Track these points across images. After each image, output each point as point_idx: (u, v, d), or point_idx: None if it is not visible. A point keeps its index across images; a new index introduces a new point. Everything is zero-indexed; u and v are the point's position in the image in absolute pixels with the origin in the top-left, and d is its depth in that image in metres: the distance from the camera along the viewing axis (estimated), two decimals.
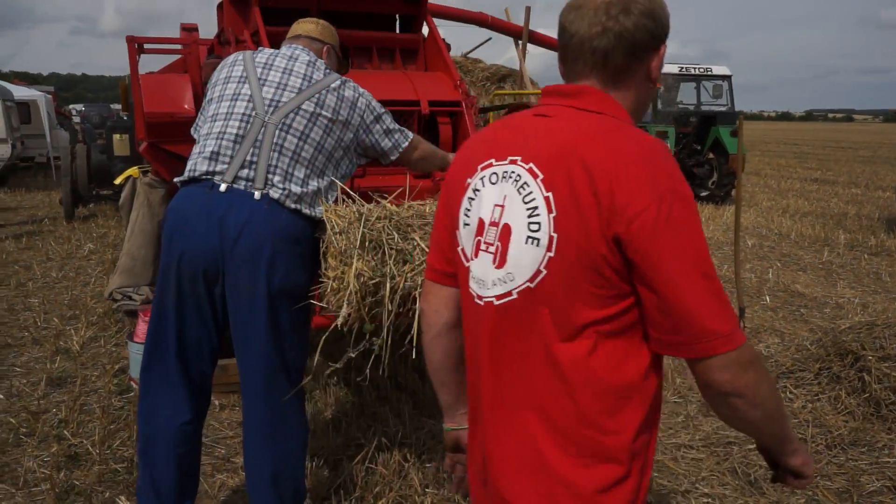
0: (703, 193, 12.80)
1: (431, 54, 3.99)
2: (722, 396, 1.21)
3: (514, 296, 1.24)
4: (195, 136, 2.74)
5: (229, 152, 2.38)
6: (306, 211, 2.41)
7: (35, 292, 6.30)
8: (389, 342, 2.34)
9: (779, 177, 18.05)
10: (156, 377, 2.45)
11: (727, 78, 13.24)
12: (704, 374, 1.19)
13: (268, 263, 2.30)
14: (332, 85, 2.56)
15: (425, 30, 4.08)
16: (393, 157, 2.72)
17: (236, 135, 2.40)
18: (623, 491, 1.23)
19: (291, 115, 2.44)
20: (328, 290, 2.30)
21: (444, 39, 4.06)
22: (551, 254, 1.18)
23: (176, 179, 2.45)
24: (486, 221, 1.29)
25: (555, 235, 1.18)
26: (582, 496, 1.23)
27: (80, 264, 7.42)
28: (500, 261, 1.26)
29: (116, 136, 10.03)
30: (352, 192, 2.54)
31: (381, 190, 2.84)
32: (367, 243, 2.28)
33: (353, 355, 2.37)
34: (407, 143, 2.73)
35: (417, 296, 2.28)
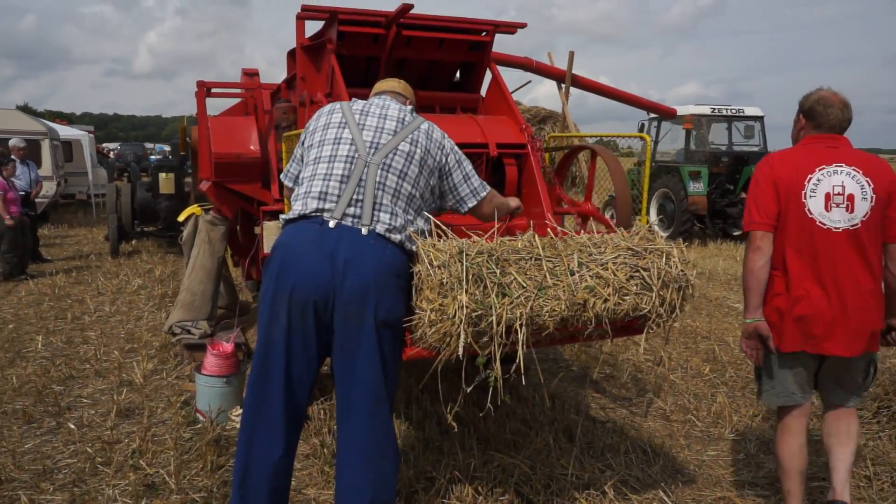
0: (736, 233, 12.80)
1: (495, 99, 4.14)
2: None
3: (859, 225, 2.75)
4: (284, 181, 2.90)
5: (336, 191, 2.55)
6: (408, 245, 2.57)
7: (91, 326, 6.47)
8: (500, 373, 2.42)
9: None
10: (260, 411, 2.54)
11: (759, 119, 13.34)
12: None
13: (375, 296, 2.44)
14: (423, 126, 2.77)
15: (488, 75, 4.24)
16: (470, 204, 2.87)
17: (342, 175, 2.58)
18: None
19: (391, 154, 2.63)
20: (424, 321, 2.39)
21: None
22: (872, 204, 2.75)
23: (282, 217, 2.60)
24: (832, 193, 2.76)
25: (874, 196, 2.75)
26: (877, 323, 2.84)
27: (130, 299, 7.61)
28: (850, 210, 2.76)
29: (162, 175, 10.37)
30: (445, 228, 2.65)
31: (466, 227, 2.96)
32: (469, 277, 2.37)
33: (467, 389, 2.48)
34: (486, 193, 2.90)
35: (518, 328, 2.37)
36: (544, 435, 3.88)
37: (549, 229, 3.36)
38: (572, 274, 2.59)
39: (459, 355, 2.37)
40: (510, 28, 4.15)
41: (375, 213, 2.53)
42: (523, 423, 4.09)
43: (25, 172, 9.40)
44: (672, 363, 5.47)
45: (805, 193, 2.76)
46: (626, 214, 3.75)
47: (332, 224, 2.49)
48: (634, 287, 2.66)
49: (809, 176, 2.77)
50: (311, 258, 2.45)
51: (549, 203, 3.67)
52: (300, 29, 4.15)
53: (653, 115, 13.05)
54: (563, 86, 7.11)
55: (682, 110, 12.71)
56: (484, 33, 4.16)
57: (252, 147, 4.95)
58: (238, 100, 6.20)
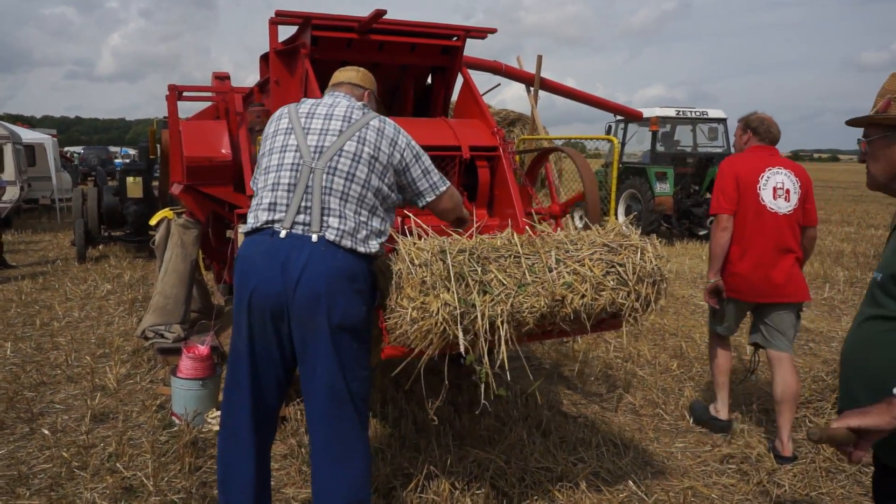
0: (702, 232, 13.09)
1: (467, 102, 4.23)
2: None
3: (792, 212, 3.77)
4: (254, 189, 2.93)
5: (285, 201, 2.55)
6: (361, 249, 2.54)
7: (61, 331, 6.40)
8: (489, 368, 2.51)
9: None
10: (232, 415, 2.63)
11: (723, 121, 13.66)
12: None
13: (327, 302, 2.45)
14: (372, 123, 2.68)
15: (459, 79, 4.33)
16: (428, 199, 2.79)
17: (289, 184, 2.57)
18: None
19: (335, 157, 2.58)
20: (406, 319, 2.45)
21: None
22: (799, 197, 3.80)
23: (241, 230, 2.65)
24: (777, 187, 3.78)
25: (800, 191, 3.81)
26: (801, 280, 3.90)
27: (100, 304, 7.53)
28: (788, 200, 3.79)
29: (130, 179, 10.27)
30: (425, 227, 2.72)
31: (446, 227, 3.03)
32: (451, 275, 2.44)
33: (477, 379, 2.56)
34: (445, 188, 2.83)
35: (500, 325, 2.45)
36: (518, 430, 3.98)
37: (526, 227, 3.46)
38: (550, 271, 2.66)
39: (451, 352, 2.43)
40: (481, 33, 4.24)
41: (324, 218, 2.52)
42: (497, 420, 4.18)
43: None
44: (641, 360, 5.61)
45: (759, 187, 3.83)
46: (596, 215, 3.86)
47: (283, 234, 2.51)
48: (611, 282, 2.74)
49: (761, 174, 3.85)
50: (264, 269, 2.49)
51: (521, 204, 3.76)
52: (273, 34, 4.18)
53: (619, 118, 13.28)
54: (531, 89, 7.23)
55: (647, 112, 12.96)
56: (455, 38, 4.25)
57: (224, 150, 4.97)
58: (209, 103, 6.20)
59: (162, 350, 5.38)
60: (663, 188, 12.60)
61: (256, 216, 2.61)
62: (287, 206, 2.55)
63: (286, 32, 4.27)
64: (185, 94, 5.58)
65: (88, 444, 3.94)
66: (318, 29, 3.88)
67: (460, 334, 2.38)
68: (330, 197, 2.55)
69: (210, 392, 4.27)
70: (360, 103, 2.78)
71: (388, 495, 3.32)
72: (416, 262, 2.48)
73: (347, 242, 2.52)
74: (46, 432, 4.08)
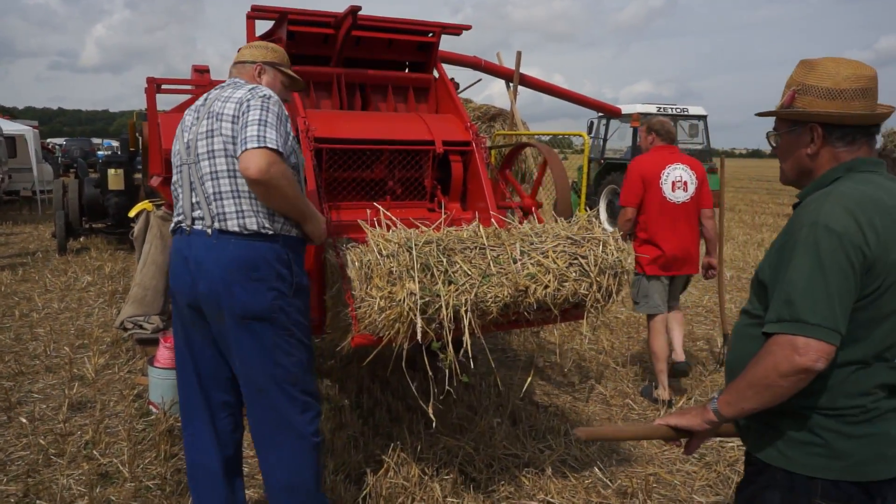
0: None
1: (442, 97, 4.30)
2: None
3: (689, 200, 4.55)
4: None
5: (182, 200, 2.56)
6: (251, 225, 2.40)
7: (40, 322, 6.42)
8: (453, 356, 2.59)
9: (752, 212, 18.65)
10: (188, 410, 2.69)
11: (703, 118, 13.82)
12: None
13: (226, 293, 2.41)
14: (224, 94, 2.51)
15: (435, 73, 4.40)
16: (239, 151, 2.33)
17: (181, 184, 2.56)
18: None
19: (197, 143, 2.48)
20: (373, 308, 2.53)
21: (452, 80, 4.40)
22: (695, 187, 4.57)
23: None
24: (676, 181, 4.51)
25: (696, 182, 4.57)
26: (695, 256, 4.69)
27: (80, 296, 7.55)
28: (685, 191, 4.53)
29: (111, 171, 10.24)
30: (395, 218, 2.80)
31: (415, 219, 3.09)
32: (417, 265, 2.51)
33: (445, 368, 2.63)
34: (256, 145, 2.28)
35: (464, 314, 2.54)
36: (489, 419, 4.07)
37: (493, 220, 3.54)
38: (515, 262, 2.74)
39: (420, 341, 2.49)
40: (456, 30, 4.31)
41: (212, 210, 2.44)
42: (469, 409, 4.28)
43: None
44: (615, 352, 5.72)
45: (661, 182, 4.52)
46: (567, 209, 3.95)
47: (187, 232, 2.52)
48: (573, 274, 2.83)
49: (662, 171, 4.53)
50: (175, 269, 2.56)
51: (492, 198, 3.84)
52: (250, 28, 4.22)
53: (601, 114, 13.40)
54: (511, 85, 7.30)
55: (628, 109, 13.09)
56: (430, 34, 4.31)
57: None
58: (189, 96, 6.21)
59: (140, 340, 5.42)
60: None
61: (173, 219, 2.66)
62: (183, 205, 2.55)
63: (263, 28, 4.32)
64: (163, 86, 5.60)
65: (66, 432, 3.99)
66: (295, 24, 3.93)
67: (418, 322, 2.44)
68: (209, 181, 2.45)
69: None
70: (240, 82, 2.60)
71: (360, 481, 3.40)
72: (385, 252, 2.55)
73: (234, 226, 2.41)
74: (24, 420, 4.13)
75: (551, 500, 3.28)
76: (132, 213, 5.84)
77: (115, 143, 37.87)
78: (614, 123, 14.02)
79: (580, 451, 3.81)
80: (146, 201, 5.77)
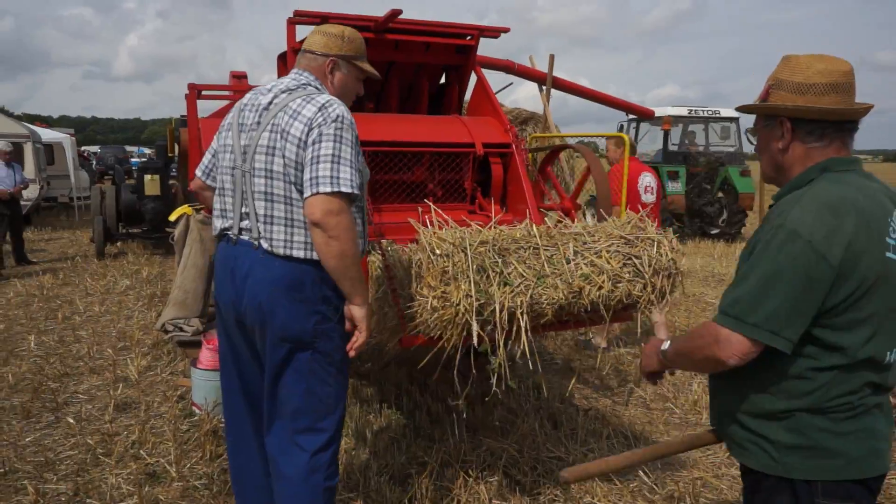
0: (714, 231, 13.10)
1: (480, 100, 4.31)
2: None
3: (655, 202, 5.62)
4: (196, 172, 2.70)
5: (230, 207, 2.39)
6: (298, 254, 2.28)
7: (82, 325, 6.55)
8: (506, 359, 2.55)
9: None
10: (231, 416, 2.62)
11: (735, 120, 13.65)
12: None
13: (268, 312, 2.29)
14: (293, 104, 2.27)
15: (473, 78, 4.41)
16: (310, 192, 2.17)
17: (231, 189, 2.38)
18: None
19: (254, 155, 2.29)
20: (425, 308, 2.50)
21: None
22: (657, 189, 5.73)
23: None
24: (648, 185, 5.67)
25: (657, 186, 5.75)
26: None
27: (119, 299, 7.68)
28: (653, 194, 5.67)
29: (148, 177, 10.43)
30: (447, 217, 2.79)
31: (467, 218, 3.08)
32: (473, 266, 2.48)
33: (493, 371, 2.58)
34: (328, 190, 2.13)
35: (519, 316, 2.52)
36: (530, 421, 4.06)
37: (544, 220, 3.53)
38: (568, 262, 2.70)
39: (475, 344, 2.45)
40: (494, 33, 4.32)
41: (260, 225, 2.30)
42: (509, 412, 4.26)
43: (11, 175, 9.43)
44: None
45: (638, 186, 5.51)
46: (607, 212, 3.93)
47: (234, 241, 2.37)
48: (627, 274, 2.77)
49: (638, 177, 5.54)
50: (220, 278, 2.43)
51: (533, 200, 3.84)
52: (291, 33, 4.27)
53: (632, 116, 13.31)
54: (544, 88, 7.29)
55: (659, 112, 12.98)
56: (469, 37, 4.32)
57: None
58: (224, 102, 6.30)
59: (181, 343, 5.49)
60: (675, 187, 12.63)
61: (214, 223, 2.49)
62: (231, 212, 2.39)
63: (303, 32, 4.37)
64: (203, 93, 5.69)
65: (112, 432, 4.05)
66: None
67: (474, 324, 2.41)
68: (262, 202, 2.29)
69: None
70: (310, 78, 2.41)
71: (404, 482, 3.41)
72: (438, 251, 2.52)
73: (281, 249, 2.28)
74: (71, 421, 4.21)
75: (598, 503, 3.25)
76: (172, 217, 5.92)
77: (147, 151, 38.59)
78: (644, 126, 13.91)
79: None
80: (186, 205, 5.85)
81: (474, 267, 2.49)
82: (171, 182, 10.69)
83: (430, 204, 2.85)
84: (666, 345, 1.88)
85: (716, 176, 13.18)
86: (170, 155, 10.34)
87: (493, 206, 3.90)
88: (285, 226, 2.28)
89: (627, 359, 5.57)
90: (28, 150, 14.00)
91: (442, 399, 4.41)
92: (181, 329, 5.57)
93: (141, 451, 3.77)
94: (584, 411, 4.43)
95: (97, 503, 3.30)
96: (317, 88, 2.39)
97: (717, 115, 13.57)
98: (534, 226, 2.83)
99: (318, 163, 2.16)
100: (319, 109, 2.22)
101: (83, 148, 32.91)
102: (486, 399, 3.29)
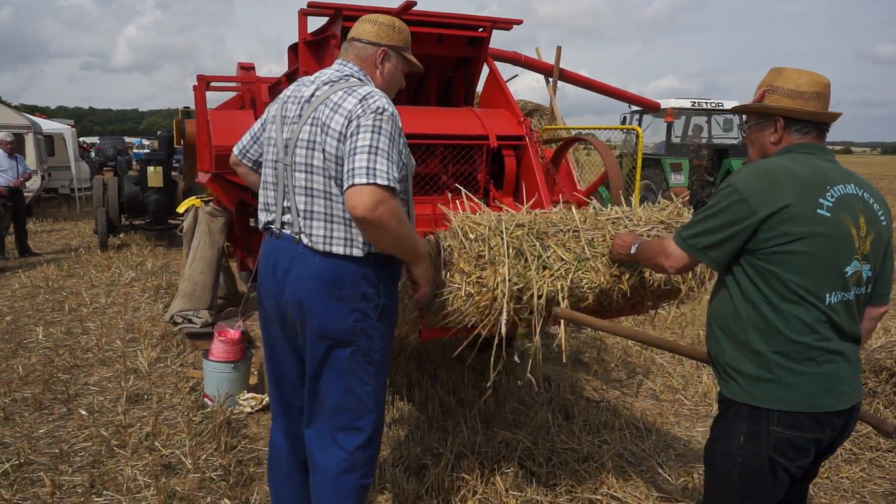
0: None
1: (493, 92, 4.30)
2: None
3: None
4: (234, 150, 2.72)
5: (273, 201, 2.39)
6: (338, 250, 2.26)
7: (89, 317, 6.54)
8: (539, 345, 2.53)
9: None
10: (273, 410, 2.65)
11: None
12: None
13: (307, 308, 2.28)
14: (334, 97, 2.23)
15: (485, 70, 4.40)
16: (346, 185, 2.13)
17: (272, 183, 2.38)
18: None
19: (295, 148, 2.28)
20: (460, 294, 2.40)
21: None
22: None
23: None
24: None
25: None
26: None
27: (125, 291, 7.67)
28: None
29: (151, 169, 10.40)
30: (478, 201, 2.73)
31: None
32: (510, 250, 2.42)
33: (516, 360, 2.68)
34: (365, 181, 2.07)
35: (560, 300, 2.47)
36: (543, 413, 4.07)
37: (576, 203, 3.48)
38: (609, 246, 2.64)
39: (501, 331, 2.39)
40: (507, 24, 4.30)
41: (301, 220, 2.28)
42: (521, 404, 4.28)
43: (14, 166, 9.40)
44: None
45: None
46: (620, 203, 3.93)
47: (276, 235, 2.38)
48: None
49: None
50: (263, 272, 2.43)
51: (546, 193, 3.84)
52: (303, 24, 4.25)
53: (635, 109, 13.30)
54: (550, 80, 7.26)
55: (663, 104, 12.96)
56: (481, 29, 4.31)
57: None
58: (228, 94, 6.30)
59: (190, 335, 5.51)
60: (678, 179, 12.63)
61: (258, 217, 2.50)
62: (274, 205, 2.39)
63: (315, 24, 4.35)
64: (212, 83, 5.68)
65: (125, 423, 4.06)
66: (349, 20, 3.95)
67: (506, 310, 2.36)
68: (302, 196, 2.28)
69: (241, 375, 4.38)
70: (354, 69, 2.38)
71: (420, 473, 3.42)
72: (471, 235, 2.44)
73: (320, 245, 2.26)
74: (84, 413, 4.22)
75: (614, 494, 3.27)
76: (181, 209, 5.93)
77: (146, 142, 38.46)
78: (647, 118, 13.89)
79: (636, 446, 3.80)
80: (194, 197, 5.85)
81: (512, 251, 2.41)
82: (173, 174, 10.68)
83: (462, 189, 2.76)
84: (635, 247, 2.38)
85: (718, 168, 13.19)
86: (176, 146, 10.32)
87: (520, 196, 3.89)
88: (325, 221, 2.26)
89: (635, 350, 5.59)
90: (29, 140, 13.94)
91: (453, 391, 4.43)
92: (190, 321, 5.59)
93: (155, 443, 3.78)
94: (595, 403, 4.45)
95: (114, 495, 3.30)
96: (360, 80, 2.35)
97: (721, 108, 13.56)
98: (573, 208, 2.76)
99: (355, 154, 2.12)
100: (360, 101, 2.19)
101: (82, 139, 32.82)
102: (520, 382, 3.27)
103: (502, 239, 2.45)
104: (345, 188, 2.13)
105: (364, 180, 2.07)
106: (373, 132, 2.13)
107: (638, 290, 2.71)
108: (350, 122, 2.17)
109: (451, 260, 2.50)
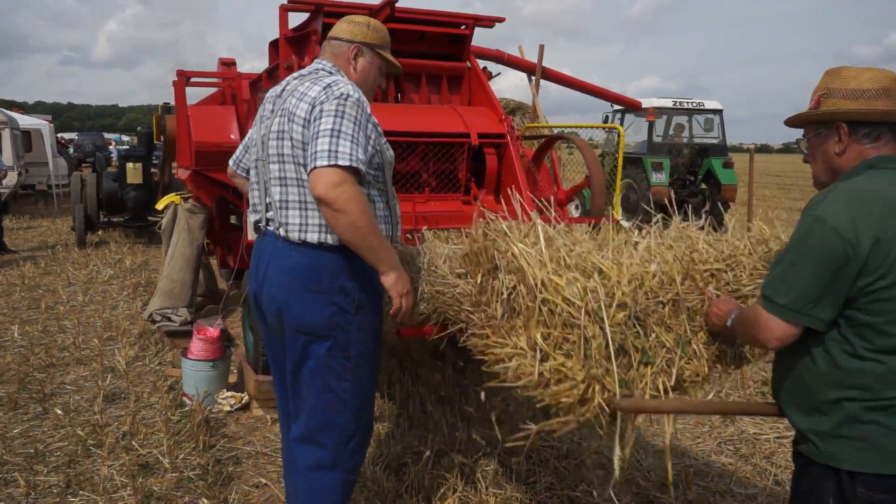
0: (698, 222, 13.20)
1: (475, 90, 4.30)
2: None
3: None
4: (229, 163, 2.76)
5: (258, 200, 2.43)
6: (312, 238, 2.24)
7: (66, 315, 6.46)
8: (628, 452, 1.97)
9: (765, 207, 18.51)
10: (279, 399, 2.64)
11: (719, 112, 13.76)
12: None
13: (283, 303, 2.28)
14: (301, 87, 2.27)
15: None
16: (309, 168, 2.13)
17: (256, 182, 2.43)
18: None
19: (269, 141, 2.32)
20: (534, 373, 1.87)
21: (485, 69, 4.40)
22: None
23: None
24: None
25: None
26: None
27: (103, 289, 7.59)
28: None
29: (130, 165, 10.28)
30: (529, 210, 2.22)
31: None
32: (613, 349, 1.82)
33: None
34: (325, 164, 2.06)
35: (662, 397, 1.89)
36: (522, 412, 4.07)
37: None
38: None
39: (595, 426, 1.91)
40: (489, 22, 4.31)
41: (281, 212, 2.29)
42: (502, 402, 4.28)
43: None
44: None
45: None
46: (601, 202, 3.95)
47: (263, 232, 2.40)
48: None
49: None
50: (252, 268, 2.45)
51: (528, 192, 3.84)
52: (283, 20, 4.24)
53: (617, 108, 13.35)
54: (533, 78, 7.27)
55: (644, 103, 13.03)
56: (463, 27, 4.31)
57: (232, 136, 5.03)
58: (209, 90, 6.24)
59: (169, 333, 5.46)
60: (659, 178, 12.70)
61: (251, 215, 2.54)
62: (259, 203, 2.44)
63: (296, 20, 4.33)
64: (192, 79, 5.63)
65: (102, 423, 4.01)
66: (330, 16, 3.94)
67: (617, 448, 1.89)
68: (277, 187, 2.29)
69: (220, 373, 4.35)
70: (328, 65, 2.39)
71: (399, 472, 3.41)
72: (557, 310, 1.84)
73: (296, 234, 2.26)
74: (59, 412, 4.16)
75: (594, 491, 3.28)
76: (160, 206, 5.87)
77: (125, 138, 38.02)
78: (629, 118, 13.96)
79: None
80: (173, 194, 5.79)
81: (613, 351, 1.82)
82: (152, 171, 10.56)
83: (518, 194, 2.27)
84: (731, 318, 1.88)
85: (699, 167, 13.28)
86: (155, 143, 10.21)
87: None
88: (300, 209, 2.26)
89: None
90: (6, 136, 13.74)
91: (434, 389, 4.42)
92: (169, 319, 5.53)
93: (133, 443, 3.74)
94: None
95: (91, 495, 3.26)
96: (329, 73, 2.36)
97: (702, 108, 13.67)
98: (673, 263, 2.10)
99: (317, 137, 2.12)
100: (324, 88, 2.21)
101: (60, 135, 32.40)
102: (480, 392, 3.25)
103: (603, 333, 1.83)
104: (308, 171, 2.14)
105: (325, 162, 2.07)
106: (335, 116, 2.13)
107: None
108: (314, 107, 2.19)
109: (520, 311, 1.94)
